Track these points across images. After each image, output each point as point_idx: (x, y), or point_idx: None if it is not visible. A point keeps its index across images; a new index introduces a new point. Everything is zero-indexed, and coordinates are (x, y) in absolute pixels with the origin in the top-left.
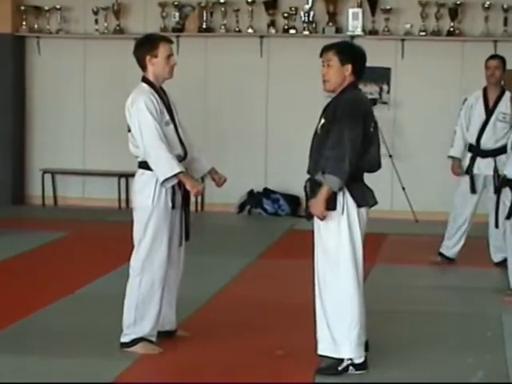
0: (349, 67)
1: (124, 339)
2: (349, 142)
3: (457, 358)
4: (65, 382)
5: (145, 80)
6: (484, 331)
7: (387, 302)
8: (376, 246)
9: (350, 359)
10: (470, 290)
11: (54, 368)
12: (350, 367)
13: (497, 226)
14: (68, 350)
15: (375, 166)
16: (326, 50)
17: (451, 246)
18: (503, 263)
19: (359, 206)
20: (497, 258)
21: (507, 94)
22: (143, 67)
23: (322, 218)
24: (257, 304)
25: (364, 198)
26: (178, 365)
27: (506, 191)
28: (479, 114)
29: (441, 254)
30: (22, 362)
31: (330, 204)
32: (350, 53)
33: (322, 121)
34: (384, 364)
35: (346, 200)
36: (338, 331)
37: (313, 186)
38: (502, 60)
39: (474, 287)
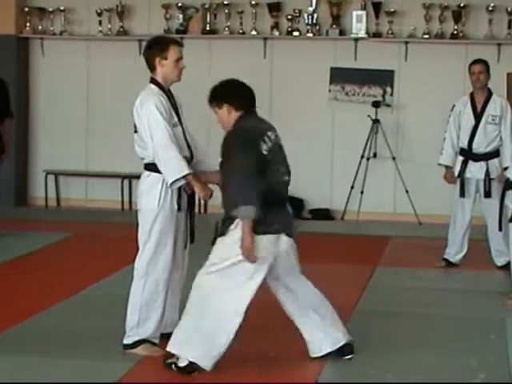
0: (225, 109)
1: (127, 341)
2: (243, 169)
3: (459, 361)
4: (66, 382)
5: (153, 81)
6: (487, 334)
7: (390, 303)
8: (379, 249)
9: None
10: (473, 292)
11: (56, 369)
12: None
13: (500, 228)
14: (70, 351)
15: (279, 188)
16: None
17: (454, 254)
18: (506, 266)
19: (258, 232)
20: (500, 262)
21: (494, 96)
22: (152, 68)
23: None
24: (259, 305)
25: (266, 224)
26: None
27: (509, 194)
28: (468, 118)
29: (445, 260)
30: (25, 363)
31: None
32: (220, 95)
33: (219, 159)
34: (386, 365)
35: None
36: None
37: (225, 222)
38: (486, 64)
39: (476, 290)
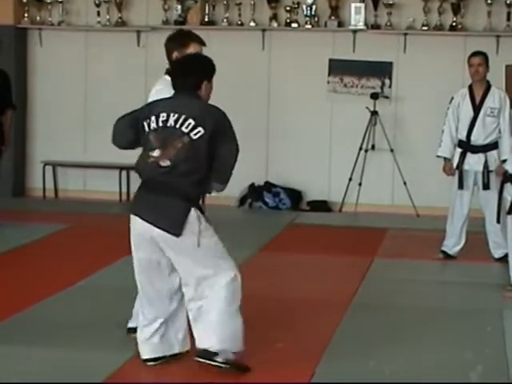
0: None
1: (131, 324)
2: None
3: (456, 353)
4: (65, 372)
5: (168, 73)
6: (484, 326)
7: (387, 296)
8: (377, 241)
9: None
10: (471, 285)
11: (55, 359)
12: None
13: (498, 221)
14: (69, 342)
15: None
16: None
17: (452, 246)
18: (504, 259)
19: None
20: (497, 254)
21: (493, 88)
22: (169, 60)
23: None
24: (257, 297)
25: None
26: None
27: (507, 186)
28: (467, 111)
29: (443, 252)
30: (22, 353)
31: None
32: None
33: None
34: (382, 358)
35: None
36: None
37: None
38: (485, 56)
39: (474, 282)
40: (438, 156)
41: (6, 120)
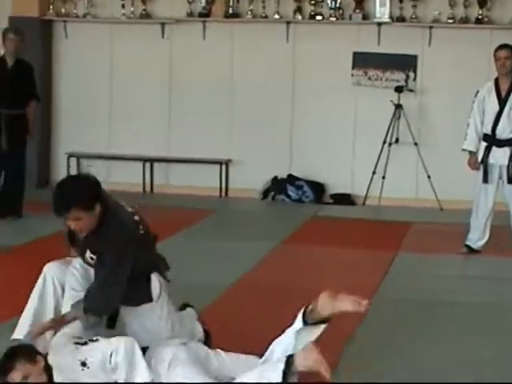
0: (97, 207)
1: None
2: (121, 276)
3: (479, 348)
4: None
5: None
6: (508, 320)
7: (410, 290)
8: (400, 235)
9: None
10: (495, 279)
11: None
12: None
13: None
14: None
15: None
16: (63, 212)
17: (476, 240)
18: None
19: None
20: None
21: None
22: None
23: None
24: (280, 289)
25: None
26: None
27: None
28: (492, 104)
29: (467, 246)
30: None
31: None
32: (93, 195)
33: (92, 255)
34: (406, 352)
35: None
36: None
37: None
38: (511, 49)
39: (498, 277)
40: (463, 149)
41: (29, 111)
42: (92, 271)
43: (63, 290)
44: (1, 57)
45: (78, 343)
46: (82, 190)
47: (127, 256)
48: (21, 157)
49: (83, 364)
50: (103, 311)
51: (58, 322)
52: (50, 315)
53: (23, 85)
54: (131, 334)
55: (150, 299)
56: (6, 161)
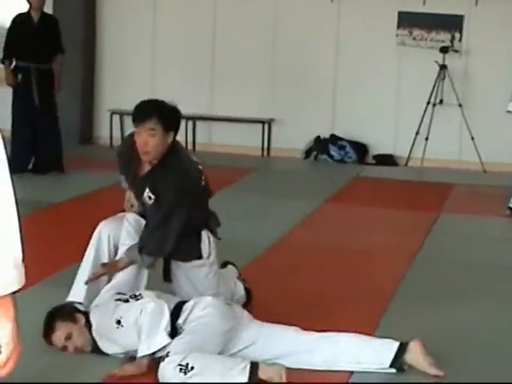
0: (172, 136)
1: None
2: (177, 221)
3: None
4: None
5: None
6: None
7: (452, 251)
8: (443, 196)
9: None
10: None
11: None
12: None
13: None
14: None
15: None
16: (144, 116)
17: None
18: None
19: None
20: None
21: None
22: None
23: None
24: (321, 248)
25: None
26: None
27: None
28: None
29: (510, 209)
30: None
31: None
32: (174, 118)
33: (150, 194)
34: (447, 313)
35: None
36: None
37: None
38: None
39: None
40: (507, 111)
41: (56, 65)
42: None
43: (116, 248)
44: (26, 13)
45: (119, 299)
46: (169, 108)
47: (186, 201)
48: (53, 111)
49: (118, 322)
50: (158, 251)
51: (112, 268)
52: (104, 276)
53: (49, 39)
54: (178, 288)
55: (199, 256)
56: (39, 117)
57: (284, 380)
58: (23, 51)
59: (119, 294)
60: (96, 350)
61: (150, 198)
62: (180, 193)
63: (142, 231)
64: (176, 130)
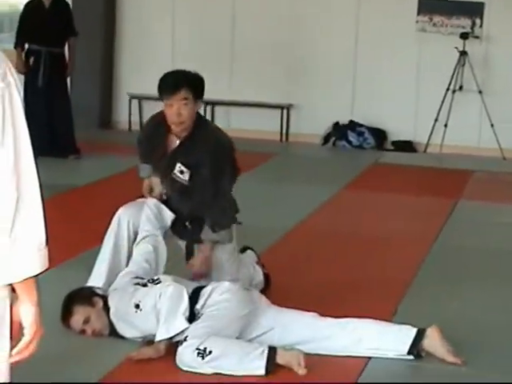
0: (200, 104)
1: None
2: (229, 190)
3: None
4: None
5: None
6: None
7: (471, 238)
8: (462, 183)
9: None
10: None
11: None
12: None
13: None
14: None
15: None
16: (175, 87)
17: None
18: None
19: None
20: None
21: None
22: None
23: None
24: (339, 234)
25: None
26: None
27: None
28: None
29: None
30: None
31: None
32: (203, 88)
33: (183, 168)
34: (466, 300)
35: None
36: None
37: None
38: None
39: None
40: None
41: (69, 48)
42: (165, 210)
43: (136, 234)
44: None
45: (138, 284)
46: (195, 76)
47: (227, 167)
48: (64, 95)
49: (137, 306)
50: (228, 221)
51: (204, 260)
52: (124, 262)
53: (61, 23)
54: None
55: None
56: (47, 98)
57: (303, 365)
58: (35, 35)
59: (137, 278)
60: (114, 333)
61: (182, 172)
62: (221, 160)
63: (199, 209)
64: (202, 98)
